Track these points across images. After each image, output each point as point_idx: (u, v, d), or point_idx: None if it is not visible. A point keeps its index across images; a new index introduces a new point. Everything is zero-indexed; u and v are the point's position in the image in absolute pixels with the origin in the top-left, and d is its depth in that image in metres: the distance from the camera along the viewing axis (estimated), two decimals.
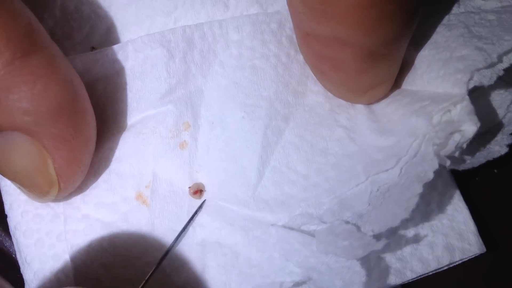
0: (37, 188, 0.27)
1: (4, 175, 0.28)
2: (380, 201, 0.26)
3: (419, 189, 0.24)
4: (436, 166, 0.24)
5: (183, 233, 0.29)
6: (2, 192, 0.31)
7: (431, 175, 0.24)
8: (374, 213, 0.26)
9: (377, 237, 0.25)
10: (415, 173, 0.25)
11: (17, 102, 0.25)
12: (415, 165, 0.25)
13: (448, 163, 0.24)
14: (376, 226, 0.25)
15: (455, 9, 0.29)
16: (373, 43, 0.25)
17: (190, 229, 0.29)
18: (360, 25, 0.24)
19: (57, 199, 0.29)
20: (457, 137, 0.24)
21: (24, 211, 0.30)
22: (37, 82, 0.25)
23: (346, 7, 0.23)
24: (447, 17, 0.28)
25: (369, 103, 0.30)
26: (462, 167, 0.26)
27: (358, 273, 0.25)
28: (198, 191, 0.30)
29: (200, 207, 0.29)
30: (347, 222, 0.26)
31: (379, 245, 0.24)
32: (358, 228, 0.25)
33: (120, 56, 0.31)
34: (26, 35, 0.24)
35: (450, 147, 0.24)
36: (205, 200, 0.30)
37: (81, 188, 0.30)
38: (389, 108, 0.29)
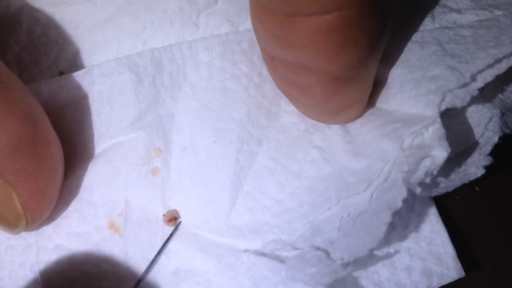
0: (5, 222, 0.27)
1: None
2: (351, 227, 0.25)
3: (387, 217, 0.23)
4: (405, 195, 0.23)
5: (156, 260, 0.28)
6: None
7: (399, 204, 0.23)
8: (344, 240, 0.25)
9: (346, 265, 0.24)
10: (385, 200, 0.24)
11: None
12: (385, 191, 0.24)
13: (418, 190, 0.23)
14: (345, 254, 0.24)
15: (429, 25, 0.28)
16: (337, 69, 0.24)
17: (164, 257, 0.29)
18: (322, 51, 0.23)
19: (27, 230, 0.28)
20: (427, 163, 0.23)
21: None
22: None
23: (306, 34, 0.22)
24: (420, 33, 0.27)
25: (343, 123, 0.29)
26: (435, 192, 0.25)
27: None
28: (172, 218, 0.29)
29: (176, 229, 0.29)
30: (318, 249, 0.25)
31: (345, 272, 0.23)
32: (328, 254, 0.25)
33: (86, 81, 0.30)
34: None
35: (420, 173, 0.23)
36: (180, 221, 0.29)
37: (52, 217, 0.29)
38: (364, 129, 0.28)
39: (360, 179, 0.26)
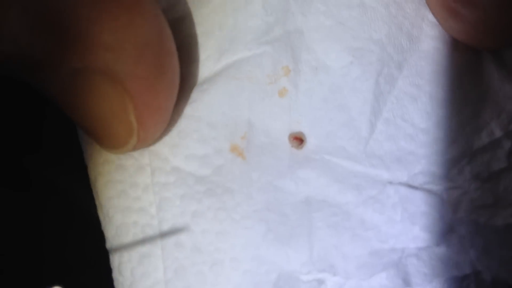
0: (114, 138, 0.24)
1: (77, 120, 0.25)
2: None
3: None
4: None
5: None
6: (81, 141, 0.28)
7: None
8: None
9: None
10: None
11: (99, 35, 0.21)
12: None
13: None
14: None
15: None
16: None
17: (293, 185, 0.27)
18: None
19: (134, 150, 0.26)
20: None
21: (106, 161, 0.27)
22: (121, 13, 0.21)
23: None
24: None
25: (497, 49, 0.26)
26: None
27: None
28: (298, 138, 0.27)
29: None
30: (484, 183, 0.24)
31: None
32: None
33: None
34: None
35: None
36: None
37: (169, 138, 0.27)
38: None
39: None
